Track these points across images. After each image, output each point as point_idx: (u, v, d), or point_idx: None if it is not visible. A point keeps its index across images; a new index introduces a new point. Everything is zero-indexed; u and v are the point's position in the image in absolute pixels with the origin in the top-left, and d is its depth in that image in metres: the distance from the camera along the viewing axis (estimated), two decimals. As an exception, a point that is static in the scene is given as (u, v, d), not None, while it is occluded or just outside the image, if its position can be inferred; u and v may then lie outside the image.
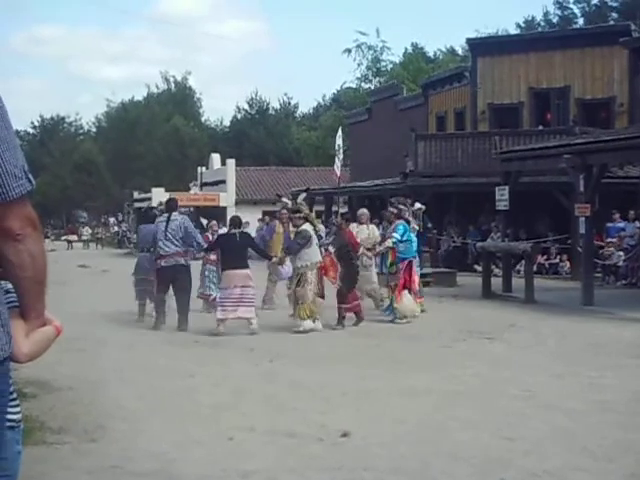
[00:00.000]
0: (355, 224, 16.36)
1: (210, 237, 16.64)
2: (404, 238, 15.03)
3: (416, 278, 15.48)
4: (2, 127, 2.33)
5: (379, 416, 7.73)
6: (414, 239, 15.46)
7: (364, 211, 17.29)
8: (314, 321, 13.72)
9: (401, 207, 15.90)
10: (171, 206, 14.82)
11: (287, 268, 15.31)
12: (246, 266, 13.79)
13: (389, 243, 15.24)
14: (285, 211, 16.96)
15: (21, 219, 2.35)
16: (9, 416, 2.53)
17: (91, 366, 10.35)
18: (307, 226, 14.08)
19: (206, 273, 16.66)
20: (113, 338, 12.96)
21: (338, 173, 29.62)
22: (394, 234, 15.17)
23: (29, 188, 2.37)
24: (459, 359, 11.04)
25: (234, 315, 13.56)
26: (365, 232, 16.27)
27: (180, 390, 8.94)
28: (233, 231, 14.27)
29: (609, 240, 23.02)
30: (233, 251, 13.85)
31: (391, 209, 16.11)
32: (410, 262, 15.18)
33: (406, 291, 14.91)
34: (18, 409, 2.60)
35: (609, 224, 23.42)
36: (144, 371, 10.10)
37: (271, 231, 18.39)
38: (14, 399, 2.59)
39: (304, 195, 15.10)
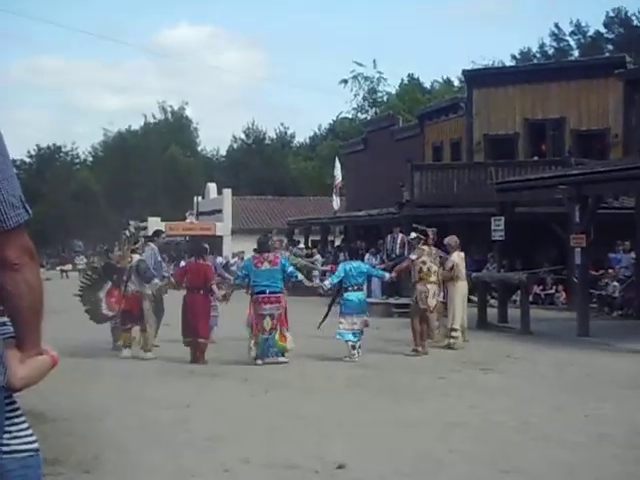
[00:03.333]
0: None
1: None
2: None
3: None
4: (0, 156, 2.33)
5: (376, 448, 7.68)
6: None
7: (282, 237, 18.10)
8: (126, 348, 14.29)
9: (417, 235, 15.63)
10: None
11: None
12: None
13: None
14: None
15: (18, 248, 2.34)
16: (25, 447, 2.48)
17: (86, 397, 10.30)
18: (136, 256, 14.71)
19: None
20: (108, 368, 12.92)
21: (337, 204, 29.81)
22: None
23: (26, 217, 2.37)
24: (455, 390, 10.99)
25: None
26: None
27: (176, 421, 8.89)
28: None
29: (608, 271, 23.01)
30: None
31: (416, 234, 15.66)
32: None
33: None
34: (34, 437, 2.54)
35: (611, 254, 23.43)
36: (140, 402, 10.04)
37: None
38: (27, 428, 2.53)
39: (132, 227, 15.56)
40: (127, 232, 15.56)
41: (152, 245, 15.99)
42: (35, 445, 2.53)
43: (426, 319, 14.99)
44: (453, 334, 15.55)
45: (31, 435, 2.53)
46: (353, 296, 14.09)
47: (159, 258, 15.91)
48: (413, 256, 15.28)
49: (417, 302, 14.99)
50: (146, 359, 13.86)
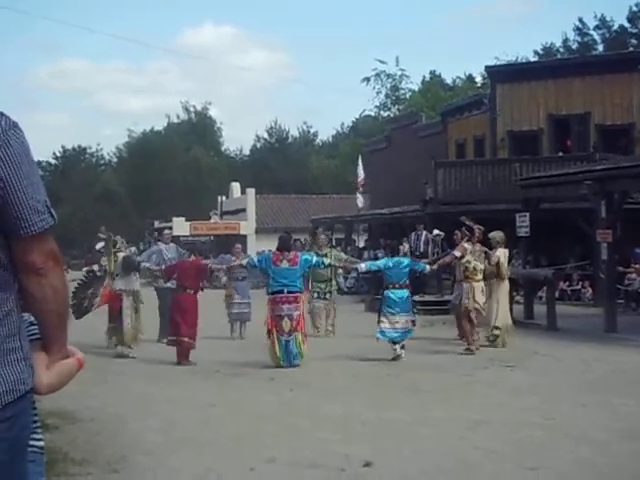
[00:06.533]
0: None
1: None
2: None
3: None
4: (26, 163, 2.36)
5: (401, 446, 7.68)
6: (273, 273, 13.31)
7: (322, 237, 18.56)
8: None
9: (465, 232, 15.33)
10: None
11: None
12: None
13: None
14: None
15: (43, 253, 2.38)
16: (33, 442, 2.56)
17: (113, 397, 10.37)
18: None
19: None
20: (135, 369, 12.99)
21: (361, 202, 29.86)
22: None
23: (51, 223, 2.40)
24: (481, 388, 10.98)
25: None
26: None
27: (201, 420, 8.93)
28: None
29: (633, 266, 22.84)
30: None
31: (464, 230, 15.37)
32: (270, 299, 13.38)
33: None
34: (41, 435, 2.64)
35: (638, 250, 23.25)
36: (166, 402, 10.09)
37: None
38: (38, 427, 2.63)
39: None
40: (101, 235, 15.97)
41: (160, 244, 16.83)
42: (42, 443, 2.63)
43: (470, 317, 14.77)
44: (495, 332, 15.31)
45: (40, 433, 2.63)
46: (395, 294, 13.82)
47: (169, 255, 16.25)
48: (457, 253, 15.00)
49: (461, 301, 14.83)
50: (129, 356, 14.16)
